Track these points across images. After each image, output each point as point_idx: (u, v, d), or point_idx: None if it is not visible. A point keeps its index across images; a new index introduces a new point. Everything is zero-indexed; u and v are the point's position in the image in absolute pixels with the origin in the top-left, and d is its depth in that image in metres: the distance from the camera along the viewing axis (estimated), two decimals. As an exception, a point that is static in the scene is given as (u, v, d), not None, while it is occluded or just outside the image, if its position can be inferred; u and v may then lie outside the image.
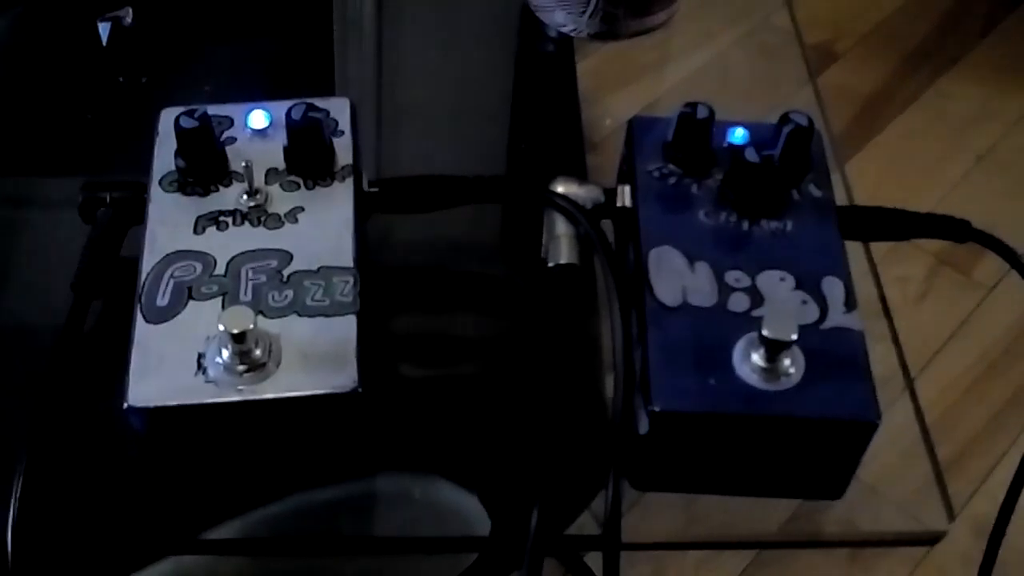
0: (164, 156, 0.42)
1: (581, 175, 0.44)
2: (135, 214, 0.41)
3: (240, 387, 0.35)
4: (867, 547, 0.82)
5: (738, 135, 0.42)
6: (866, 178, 1.12)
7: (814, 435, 0.36)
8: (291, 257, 0.39)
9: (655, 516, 0.40)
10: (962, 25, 1.37)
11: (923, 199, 1.12)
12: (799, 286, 0.38)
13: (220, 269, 0.38)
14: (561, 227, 0.42)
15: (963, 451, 0.99)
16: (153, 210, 0.40)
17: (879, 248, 0.46)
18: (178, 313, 0.37)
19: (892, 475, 0.41)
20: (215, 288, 0.38)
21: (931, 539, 0.41)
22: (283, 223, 0.40)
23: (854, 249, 0.42)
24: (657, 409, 0.36)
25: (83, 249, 0.42)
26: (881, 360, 0.38)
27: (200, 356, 0.36)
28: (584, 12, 0.55)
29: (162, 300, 0.37)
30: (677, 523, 0.41)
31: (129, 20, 0.56)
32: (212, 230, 0.39)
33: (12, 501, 0.35)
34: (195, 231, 0.39)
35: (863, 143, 1.23)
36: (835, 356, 0.37)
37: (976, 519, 0.88)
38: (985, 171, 1.22)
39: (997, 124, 1.27)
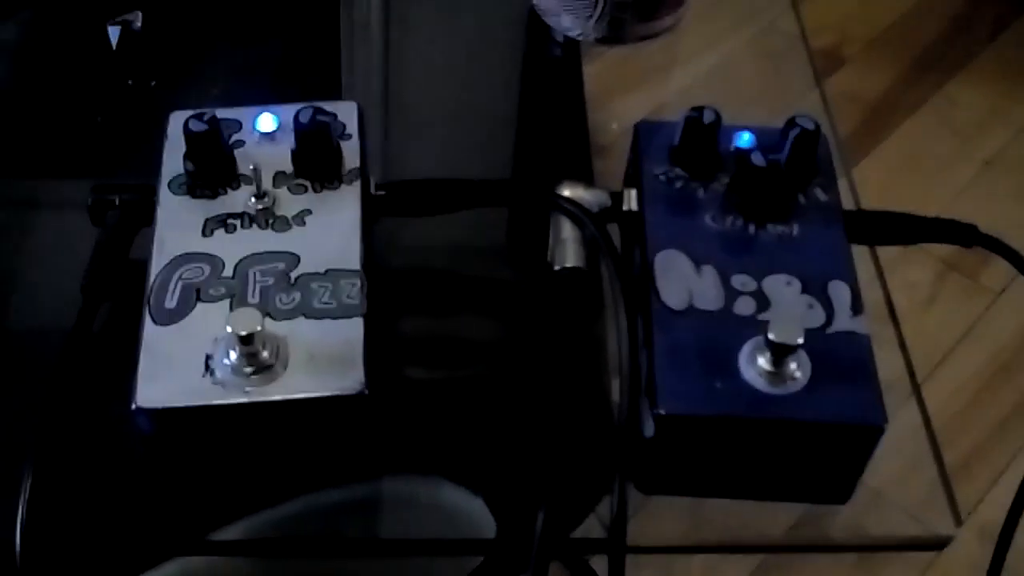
0: (173, 159, 0.42)
1: (587, 179, 0.44)
2: (144, 217, 0.41)
3: (247, 389, 0.35)
4: (873, 552, 0.82)
5: (744, 139, 0.42)
6: (873, 182, 1.12)
7: (820, 439, 0.36)
8: (298, 260, 0.39)
9: (661, 520, 0.40)
10: (970, 30, 1.37)
11: (930, 204, 1.12)
12: (805, 290, 0.38)
13: (228, 271, 0.38)
14: (567, 231, 0.42)
15: (971, 456, 0.99)
16: (162, 213, 0.40)
17: (887, 253, 0.46)
18: (186, 315, 0.37)
19: (899, 480, 0.41)
20: (223, 290, 0.38)
21: (938, 544, 0.41)
22: (291, 226, 0.40)
23: (861, 254, 0.42)
24: (663, 412, 0.36)
25: (92, 251, 0.42)
26: (888, 365, 0.38)
27: (208, 358, 0.36)
28: (591, 16, 0.55)
29: (170, 302, 0.37)
30: (683, 527, 0.41)
31: (138, 24, 0.56)
32: (220, 232, 0.40)
33: (21, 501, 0.35)
34: (203, 234, 0.40)
35: (870, 148, 1.23)
36: (841, 360, 0.37)
37: (983, 524, 0.87)
38: (992, 176, 1.22)
39: (1004, 129, 1.27)
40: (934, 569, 0.91)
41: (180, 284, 0.38)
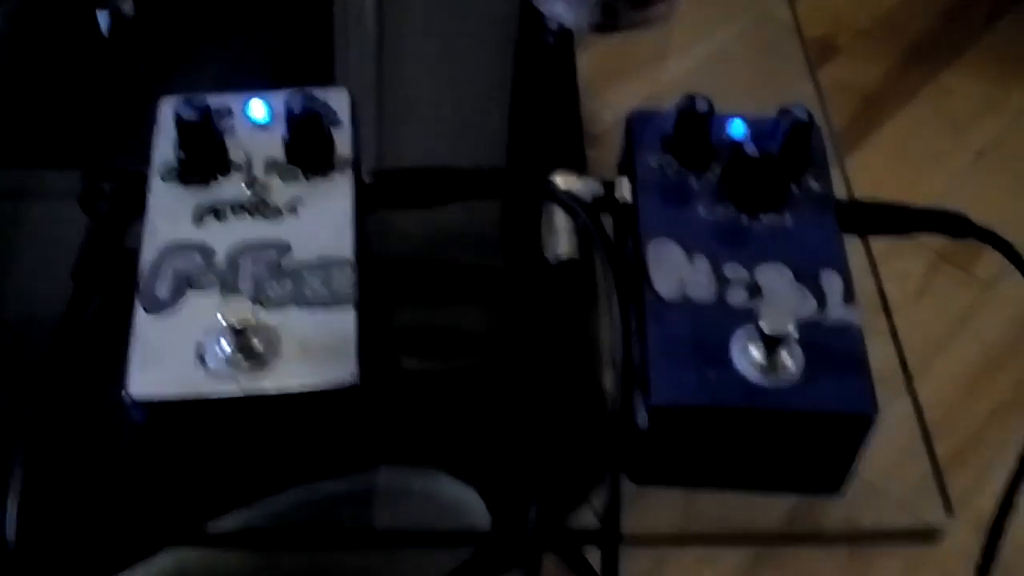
0: (164, 146, 0.41)
1: (580, 168, 0.44)
2: (135, 205, 0.41)
3: (239, 380, 0.35)
4: (866, 542, 0.82)
5: (738, 129, 0.42)
6: (866, 173, 1.11)
7: (812, 429, 0.36)
8: (290, 248, 0.39)
9: (654, 511, 0.40)
10: (964, 19, 1.37)
11: (923, 194, 1.11)
12: (797, 280, 0.38)
13: (219, 260, 0.38)
14: (560, 220, 0.42)
15: (964, 448, 0.99)
16: (153, 201, 0.40)
17: (879, 244, 0.46)
18: (178, 304, 0.37)
19: (891, 471, 0.41)
20: (214, 279, 0.38)
21: (930, 534, 0.41)
22: (282, 214, 0.40)
23: (854, 245, 0.42)
24: (656, 403, 0.36)
25: (83, 240, 0.42)
26: (880, 356, 0.38)
27: (200, 347, 0.36)
28: (584, 4, 0.55)
29: (162, 291, 0.37)
30: (677, 518, 0.41)
31: (129, 10, 0.55)
32: (211, 220, 0.39)
33: (13, 492, 0.35)
34: (195, 222, 0.39)
35: (864, 138, 1.23)
36: (833, 350, 0.37)
37: (977, 516, 0.88)
38: (986, 167, 1.22)
39: (998, 119, 1.27)
40: (927, 560, 0.91)
41: (171, 273, 0.38)
